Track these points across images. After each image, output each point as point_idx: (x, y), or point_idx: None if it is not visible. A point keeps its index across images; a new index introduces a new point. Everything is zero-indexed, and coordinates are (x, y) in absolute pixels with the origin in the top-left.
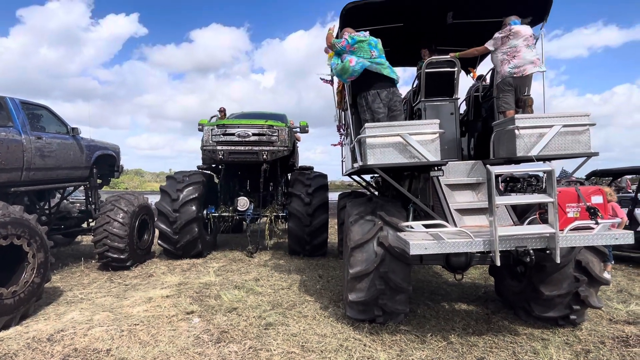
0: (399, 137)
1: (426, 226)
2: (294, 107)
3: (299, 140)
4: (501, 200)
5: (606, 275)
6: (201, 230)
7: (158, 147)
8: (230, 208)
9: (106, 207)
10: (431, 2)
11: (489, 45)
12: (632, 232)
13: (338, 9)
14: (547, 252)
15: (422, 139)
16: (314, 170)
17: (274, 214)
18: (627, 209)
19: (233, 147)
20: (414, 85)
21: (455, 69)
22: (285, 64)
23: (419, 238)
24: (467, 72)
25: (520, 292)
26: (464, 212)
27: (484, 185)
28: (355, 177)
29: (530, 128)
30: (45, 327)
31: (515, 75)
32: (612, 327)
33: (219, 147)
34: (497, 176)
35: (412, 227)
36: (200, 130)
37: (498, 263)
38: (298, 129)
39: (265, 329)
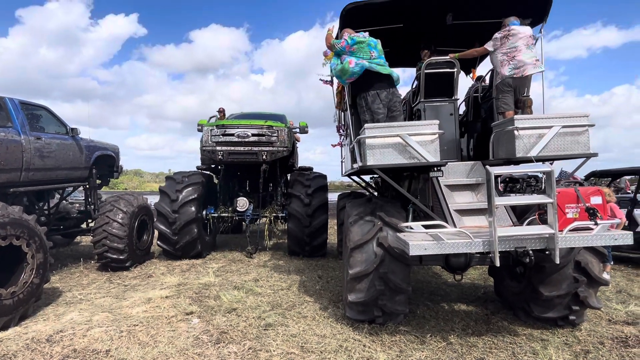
0: (398, 138)
1: (426, 227)
2: (293, 107)
3: (298, 141)
4: (500, 201)
5: (605, 275)
6: (200, 231)
7: (157, 147)
8: (230, 208)
9: (105, 207)
10: (431, 3)
11: (489, 46)
12: (631, 232)
13: (337, 9)
14: (547, 252)
15: (421, 139)
16: (314, 170)
17: (274, 214)
18: (626, 209)
19: (232, 148)
20: (414, 86)
21: (455, 69)
22: (284, 65)
23: (419, 239)
24: (467, 73)
25: (520, 293)
26: (464, 212)
27: (484, 185)
28: (355, 177)
29: (529, 129)
30: (44, 328)
31: (514, 76)
32: (611, 327)
33: (218, 148)
34: (496, 177)
35: (411, 228)
36: (200, 130)
37: (497, 264)
38: (297, 130)
39: (264, 329)
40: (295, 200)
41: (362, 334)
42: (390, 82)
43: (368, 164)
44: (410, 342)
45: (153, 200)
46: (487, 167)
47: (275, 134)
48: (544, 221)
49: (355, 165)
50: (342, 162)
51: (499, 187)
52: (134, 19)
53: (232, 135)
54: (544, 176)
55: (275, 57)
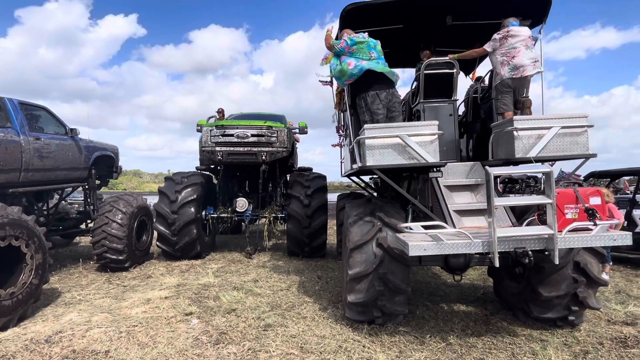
0: (398, 139)
1: (425, 227)
2: (293, 108)
3: (298, 141)
4: (500, 202)
5: (604, 276)
6: (200, 232)
7: (157, 147)
8: (229, 209)
9: (104, 208)
10: (430, 4)
11: (488, 47)
12: (630, 233)
13: (337, 10)
14: (546, 253)
15: (421, 140)
16: (313, 171)
17: (273, 215)
18: (625, 210)
19: (232, 148)
20: (413, 87)
21: (454, 70)
22: (284, 65)
23: (418, 239)
24: (467, 74)
25: (519, 293)
26: (463, 213)
27: (483, 186)
28: (354, 178)
29: (528, 129)
30: (43, 329)
31: (514, 77)
32: (610, 328)
33: (217, 148)
34: (495, 177)
35: (411, 228)
36: (199, 131)
37: (497, 264)
38: (297, 130)
39: (264, 330)
40: (295, 201)
41: (362, 334)
42: (389, 82)
43: (367, 164)
44: (410, 343)
45: (152, 200)
46: (487, 167)
47: (274, 135)
48: (543, 222)
49: (354, 166)
50: (341, 162)
51: (498, 188)
52: (134, 19)
53: (232, 135)
54: (543, 177)
55: (274, 57)
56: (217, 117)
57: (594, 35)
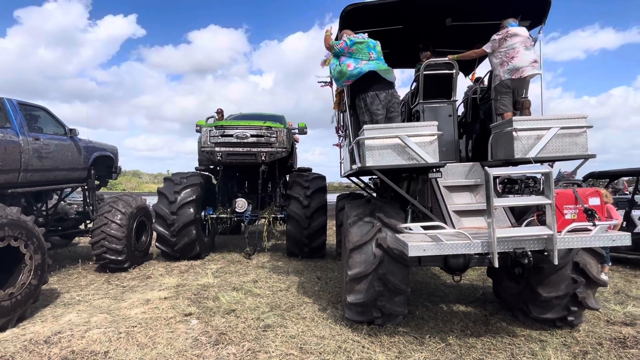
0: (397, 139)
1: (425, 228)
2: (292, 108)
3: (297, 142)
4: (499, 202)
5: (603, 276)
6: (199, 233)
7: (156, 148)
8: (229, 209)
9: (104, 208)
10: (430, 5)
11: (487, 47)
12: (629, 234)
13: (336, 10)
14: (545, 253)
15: (420, 140)
16: (313, 171)
17: (272, 215)
18: (624, 210)
19: (231, 149)
20: (413, 87)
21: (454, 71)
22: (283, 66)
23: (418, 240)
24: (466, 74)
25: (518, 294)
26: (462, 213)
27: (482, 186)
28: (354, 178)
29: (528, 130)
30: (42, 329)
31: (513, 78)
32: (609, 328)
33: (217, 149)
34: (495, 178)
35: (410, 229)
36: (198, 131)
37: (496, 264)
38: (296, 131)
39: (263, 330)
40: (294, 202)
41: (361, 335)
42: (389, 83)
43: (367, 165)
44: (409, 343)
45: (151, 201)
46: (486, 168)
47: (274, 135)
48: (542, 222)
49: (354, 166)
50: (341, 163)
51: (498, 188)
52: (133, 19)
53: (231, 136)
54: (543, 177)
55: (274, 58)
56: (217, 117)
57: (592, 36)
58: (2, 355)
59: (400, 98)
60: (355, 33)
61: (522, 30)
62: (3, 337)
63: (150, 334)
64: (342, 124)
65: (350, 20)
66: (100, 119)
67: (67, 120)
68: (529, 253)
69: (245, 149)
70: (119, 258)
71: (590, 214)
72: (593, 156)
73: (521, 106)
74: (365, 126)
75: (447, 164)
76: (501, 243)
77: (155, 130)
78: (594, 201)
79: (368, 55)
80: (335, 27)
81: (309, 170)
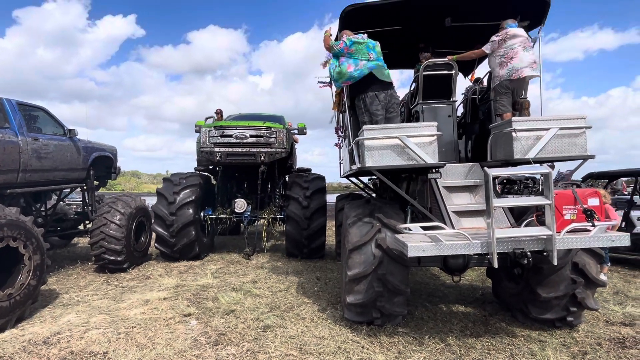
0: (397, 140)
1: (424, 228)
2: (291, 108)
3: (296, 142)
4: (499, 203)
5: (602, 277)
6: (198, 233)
7: (155, 148)
8: (228, 210)
9: (103, 209)
10: (430, 6)
11: (486, 48)
12: (629, 234)
13: (335, 10)
14: (544, 254)
15: (419, 141)
16: (312, 172)
17: (272, 216)
18: (623, 211)
19: (231, 149)
20: (412, 88)
21: (453, 71)
22: (282, 66)
23: (417, 240)
24: (466, 75)
25: (518, 294)
26: (462, 214)
27: (482, 187)
28: (353, 179)
29: (527, 131)
30: (41, 330)
31: (511, 78)
32: (608, 328)
33: (216, 149)
34: (494, 178)
35: (410, 229)
36: (198, 131)
37: (496, 265)
38: (296, 131)
39: (263, 331)
40: (294, 203)
41: (361, 335)
42: (388, 83)
43: (366, 165)
44: (409, 344)
45: (150, 201)
46: (485, 168)
47: (273, 135)
48: (541, 223)
49: (353, 167)
50: (340, 163)
51: (497, 189)
52: (132, 20)
53: (231, 136)
54: (542, 178)
55: (273, 58)
56: (216, 117)
57: (591, 37)
58: (1, 356)
59: (400, 98)
60: (355, 33)
61: (522, 31)
62: (2, 337)
63: (149, 335)
64: (341, 124)
65: (350, 20)
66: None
67: (66, 121)
68: (529, 253)
69: (244, 150)
70: (118, 258)
71: (589, 215)
72: (592, 157)
73: (520, 107)
74: (364, 127)
75: (447, 165)
76: (500, 243)
77: (154, 130)
78: (593, 202)
79: (367, 56)
80: (334, 27)
81: (309, 170)
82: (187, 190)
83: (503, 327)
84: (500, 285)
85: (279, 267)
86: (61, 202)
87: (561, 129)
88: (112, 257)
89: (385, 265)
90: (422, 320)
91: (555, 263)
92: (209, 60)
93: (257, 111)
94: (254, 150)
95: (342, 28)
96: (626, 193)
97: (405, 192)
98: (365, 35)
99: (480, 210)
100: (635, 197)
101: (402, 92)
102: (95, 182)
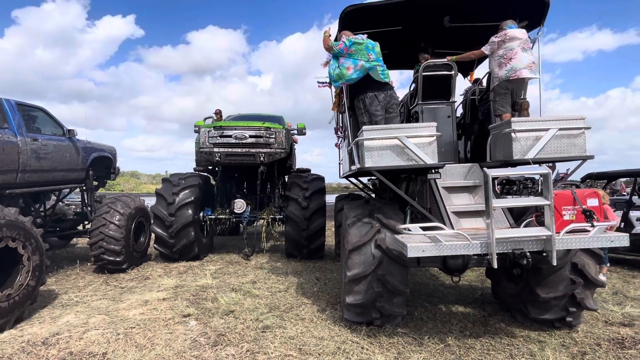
0: (396, 140)
1: (423, 229)
2: (291, 109)
3: (296, 143)
4: (498, 203)
5: (602, 277)
6: (197, 234)
7: (154, 149)
8: (227, 210)
9: (102, 209)
10: (429, 6)
11: (486, 49)
12: (628, 234)
13: (335, 11)
14: (544, 254)
15: (419, 141)
16: (311, 172)
17: (271, 216)
18: (622, 211)
19: (230, 149)
20: (411, 88)
21: (452, 72)
22: (282, 66)
23: (417, 240)
24: (465, 75)
25: (517, 295)
26: (461, 214)
27: (481, 187)
28: (353, 179)
29: (526, 131)
30: (40, 331)
31: (510, 79)
32: (607, 329)
33: (215, 149)
34: (493, 179)
35: (409, 230)
36: (197, 132)
37: (495, 265)
38: (295, 131)
39: (262, 331)
40: (293, 203)
41: (360, 336)
42: (387, 84)
43: (366, 165)
44: (408, 344)
45: (150, 202)
46: (485, 169)
47: (273, 136)
48: (541, 223)
49: (353, 167)
50: (339, 163)
51: (496, 189)
52: (131, 20)
53: (230, 136)
54: (541, 178)
55: (272, 58)
56: (215, 118)
57: (590, 38)
58: (0, 357)
59: (399, 99)
60: (355, 34)
61: (521, 33)
62: (1, 338)
63: (148, 335)
64: (341, 125)
65: (350, 21)
66: (98, 119)
67: (65, 121)
68: (528, 254)
69: (244, 150)
70: (117, 259)
71: (588, 215)
72: (591, 157)
73: (520, 107)
74: (364, 127)
75: (446, 165)
76: (500, 244)
77: (153, 130)
78: (592, 202)
79: (367, 56)
80: (333, 27)
81: (308, 171)
82: (187, 191)
83: (502, 328)
84: (500, 285)
85: (279, 267)
86: (60, 203)
87: (560, 129)
88: (111, 258)
89: (384, 265)
90: (421, 320)
91: (555, 263)
92: (208, 60)
93: (257, 111)
94: (253, 150)
95: (341, 28)
96: (625, 194)
97: (405, 192)
98: (365, 35)
99: (479, 210)
100: (634, 198)
101: (401, 92)
102: (95, 183)
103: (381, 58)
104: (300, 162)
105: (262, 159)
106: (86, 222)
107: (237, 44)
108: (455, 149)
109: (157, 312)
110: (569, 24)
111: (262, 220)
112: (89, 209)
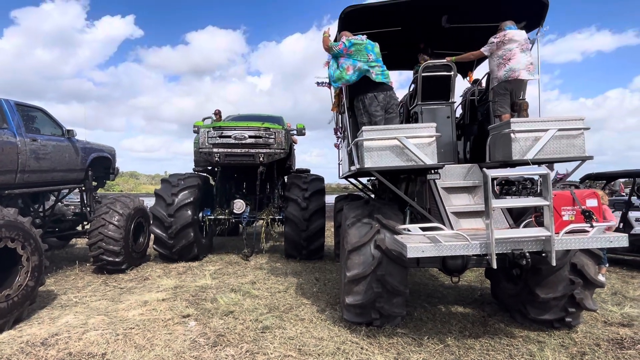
0: (396, 141)
1: (423, 229)
2: (290, 109)
3: (295, 143)
4: (497, 203)
5: (601, 277)
6: (197, 235)
7: (153, 149)
8: (227, 211)
9: (101, 209)
10: (429, 7)
11: (485, 50)
12: (626, 235)
13: (334, 11)
14: (543, 254)
15: (419, 142)
16: (311, 172)
17: (270, 216)
18: (621, 212)
19: (229, 150)
20: (411, 89)
21: (452, 73)
22: (281, 67)
23: (416, 241)
24: (464, 76)
25: (516, 295)
26: (461, 215)
27: (480, 188)
28: (352, 179)
29: (525, 132)
30: (39, 331)
31: (509, 79)
32: (607, 329)
33: (215, 150)
34: (493, 179)
35: (409, 230)
36: (196, 132)
37: (495, 266)
38: (295, 132)
39: (262, 332)
40: (292, 204)
41: (360, 336)
42: (387, 84)
43: (365, 166)
44: (408, 345)
45: (149, 202)
46: (484, 169)
47: (272, 136)
48: (540, 223)
49: (352, 168)
50: (339, 164)
51: (495, 190)
52: (131, 20)
53: (229, 137)
54: (540, 179)
55: (272, 59)
56: (214, 118)
57: (589, 39)
58: None
59: (399, 99)
60: (354, 34)
61: (520, 34)
62: (0, 339)
63: (148, 336)
64: (340, 125)
65: (350, 21)
66: (97, 119)
67: (64, 121)
68: (527, 254)
69: (243, 150)
70: (117, 259)
71: (587, 216)
72: (590, 158)
73: (519, 108)
74: (363, 127)
75: (446, 166)
76: (499, 244)
77: (152, 131)
78: (592, 202)
79: (366, 57)
80: (333, 28)
81: (307, 171)
82: (186, 192)
83: (502, 328)
84: (499, 286)
85: (278, 268)
86: (59, 203)
87: (559, 130)
88: (110, 258)
89: (384, 266)
90: (421, 321)
91: (554, 264)
92: (207, 61)
93: (256, 112)
94: (252, 151)
95: (341, 29)
96: (624, 194)
97: (404, 193)
98: (365, 36)
99: (479, 211)
100: (633, 198)
101: (401, 93)
102: (94, 183)
103: (381, 58)
104: (300, 162)
105: (261, 159)
106: (85, 223)
107: (236, 44)
108: (455, 149)
109: (157, 312)
110: (568, 24)
111: (262, 221)
112: (88, 209)
